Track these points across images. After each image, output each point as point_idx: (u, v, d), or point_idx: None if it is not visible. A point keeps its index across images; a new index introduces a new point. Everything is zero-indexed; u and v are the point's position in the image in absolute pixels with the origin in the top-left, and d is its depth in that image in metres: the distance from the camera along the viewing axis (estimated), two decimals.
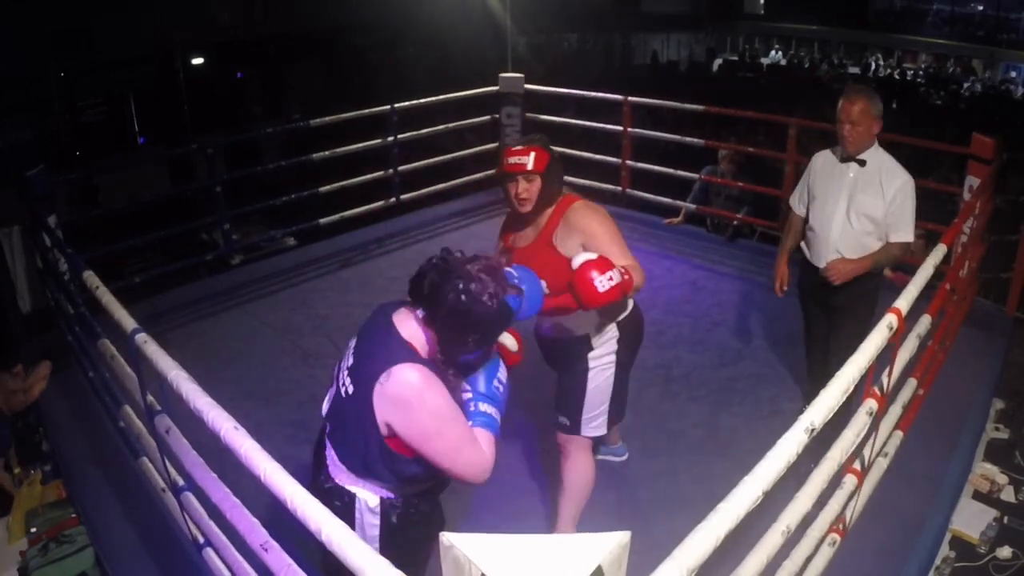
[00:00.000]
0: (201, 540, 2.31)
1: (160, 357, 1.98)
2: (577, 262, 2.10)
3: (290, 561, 1.69)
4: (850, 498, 2.27)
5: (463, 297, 1.55)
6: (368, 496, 1.72)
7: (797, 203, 3.15)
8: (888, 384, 2.22)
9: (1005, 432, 3.48)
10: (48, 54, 9.74)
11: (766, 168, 6.41)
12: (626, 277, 2.14)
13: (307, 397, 3.69)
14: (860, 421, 2.06)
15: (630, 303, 2.53)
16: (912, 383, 2.77)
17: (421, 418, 1.56)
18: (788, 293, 3.23)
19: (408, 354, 1.59)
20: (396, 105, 5.31)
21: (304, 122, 5.26)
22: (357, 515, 1.72)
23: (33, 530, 3.18)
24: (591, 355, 2.46)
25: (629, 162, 5.60)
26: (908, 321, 2.18)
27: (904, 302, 2.15)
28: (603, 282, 2.05)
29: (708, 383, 3.77)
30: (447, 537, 1.09)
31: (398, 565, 1.52)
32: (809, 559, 2.10)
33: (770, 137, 7.81)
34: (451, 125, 5.97)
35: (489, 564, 1.04)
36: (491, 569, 1.04)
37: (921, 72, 20.27)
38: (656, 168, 5.59)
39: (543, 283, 2.23)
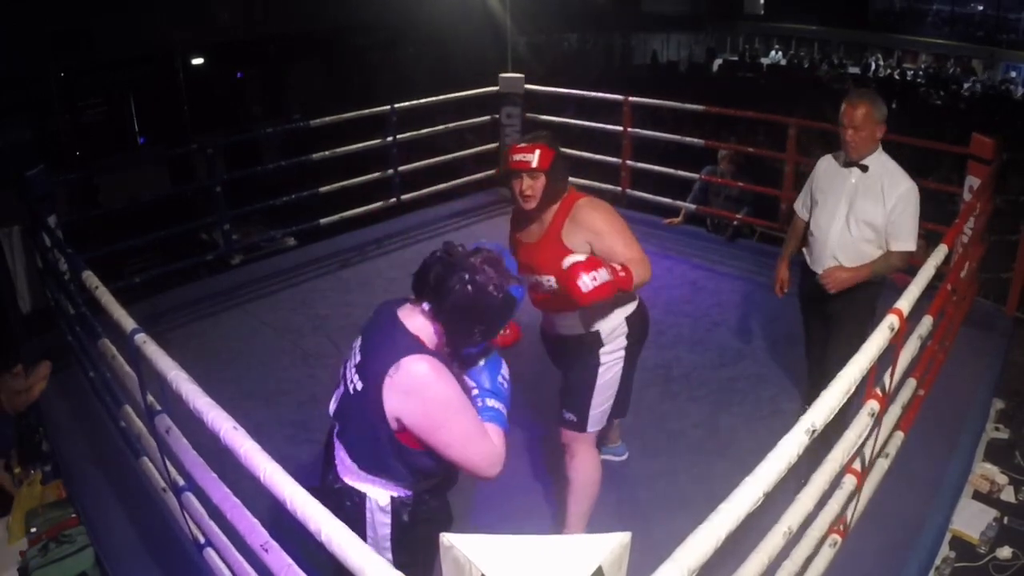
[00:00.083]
0: (201, 540, 2.31)
1: (160, 357, 1.98)
2: (566, 263, 2.13)
3: (290, 561, 1.69)
4: (850, 499, 2.27)
5: (469, 288, 1.58)
6: (379, 495, 1.72)
7: (801, 207, 3.13)
8: (889, 385, 2.22)
9: (1005, 432, 3.48)
10: (48, 54, 9.74)
11: (766, 168, 6.41)
12: (621, 274, 2.16)
13: (307, 397, 3.69)
14: (862, 422, 2.06)
15: (635, 297, 2.54)
16: (912, 383, 2.77)
17: (431, 408, 1.57)
18: (788, 294, 3.23)
19: (416, 346, 1.61)
20: (396, 105, 5.31)
21: (304, 122, 5.26)
22: (368, 515, 1.72)
23: (33, 530, 3.18)
24: (603, 351, 2.48)
25: (629, 162, 5.60)
26: (909, 322, 2.18)
27: (906, 303, 2.15)
28: (587, 282, 2.08)
29: (708, 383, 3.77)
30: (447, 538, 1.09)
31: (409, 563, 1.56)
32: (810, 559, 2.10)
33: (770, 137, 7.81)
34: (451, 125, 5.96)
35: (489, 565, 1.04)
36: (491, 570, 1.04)
37: (921, 72, 20.27)
38: (656, 168, 5.59)
39: (552, 278, 2.25)
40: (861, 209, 2.82)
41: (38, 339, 4.11)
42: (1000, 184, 4.55)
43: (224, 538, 2.13)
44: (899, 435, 2.72)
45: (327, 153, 5.11)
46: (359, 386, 1.64)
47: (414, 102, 5.45)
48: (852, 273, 2.83)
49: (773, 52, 23.01)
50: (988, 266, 4.30)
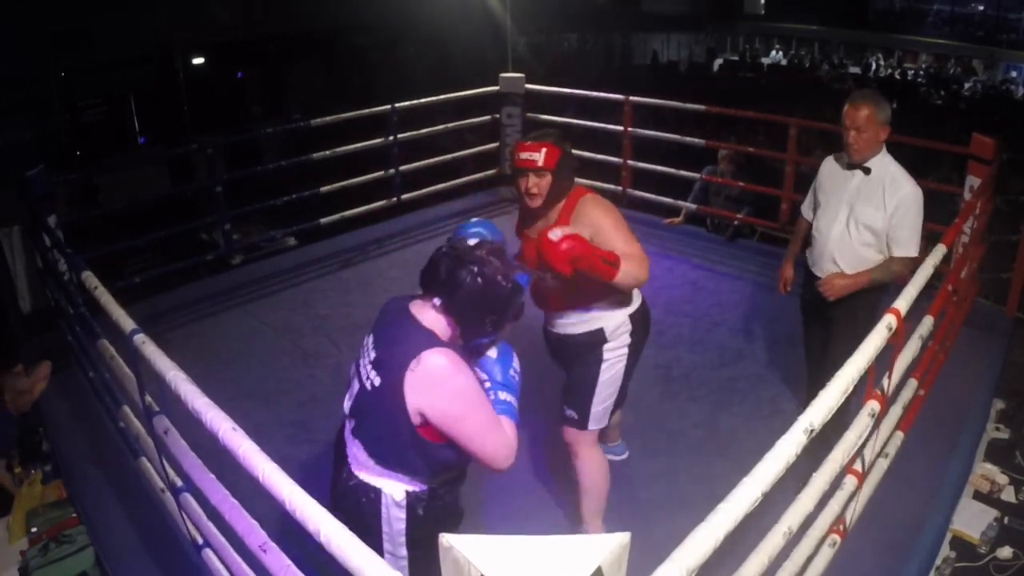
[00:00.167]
0: (200, 541, 2.31)
1: (158, 358, 1.98)
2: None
3: (289, 562, 1.68)
4: (850, 499, 2.27)
5: (479, 280, 1.63)
6: (394, 490, 1.73)
7: (806, 208, 3.10)
8: (889, 385, 2.22)
9: (1005, 432, 3.48)
10: (48, 54, 9.73)
11: (766, 168, 6.41)
12: (609, 259, 2.14)
13: (307, 397, 3.69)
14: (862, 422, 2.06)
15: (637, 296, 2.54)
16: (913, 384, 2.76)
17: (452, 401, 1.60)
18: (790, 294, 3.22)
19: (434, 340, 1.64)
20: (396, 105, 5.31)
21: (304, 122, 5.26)
22: (383, 510, 1.74)
23: (33, 530, 3.19)
24: (606, 347, 2.48)
25: (630, 162, 5.60)
26: (909, 322, 2.18)
27: (903, 302, 2.15)
28: (557, 233, 2.06)
29: (708, 383, 3.76)
30: (446, 538, 1.09)
31: (423, 558, 1.63)
32: (810, 559, 2.10)
33: (770, 137, 7.81)
34: (451, 125, 5.96)
35: (489, 565, 1.04)
36: (490, 570, 1.04)
37: (921, 72, 20.26)
38: (657, 168, 5.59)
39: (559, 275, 2.24)
40: (861, 212, 2.77)
41: (38, 339, 4.11)
42: (1000, 184, 4.55)
43: (223, 539, 2.12)
44: (899, 435, 2.72)
45: (327, 153, 5.11)
46: (377, 382, 1.65)
47: (414, 102, 5.45)
48: (851, 280, 2.78)
49: (773, 52, 22.98)
50: (988, 266, 4.30)
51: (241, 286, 4.80)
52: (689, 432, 3.40)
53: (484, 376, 1.76)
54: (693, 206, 5.51)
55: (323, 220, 5.14)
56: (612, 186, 5.61)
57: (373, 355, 1.69)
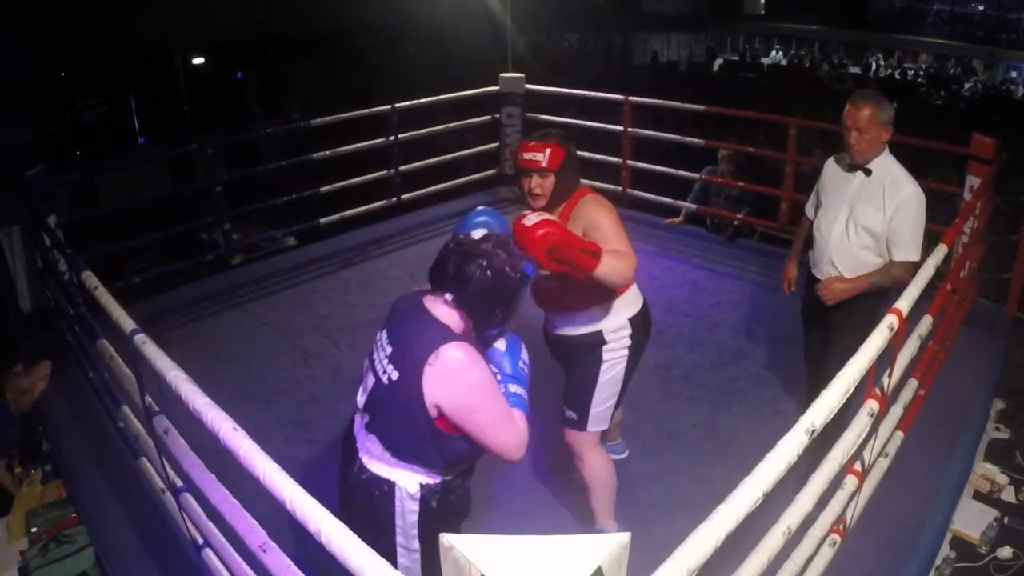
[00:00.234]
0: (200, 541, 2.31)
1: (159, 358, 1.98)
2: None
3: (289, 562, 1.68)
4: (851, 499, 2.27)
5: (489, 274, 1.67)
6: (408, 483, 1.76)
7: (809, 208, 3.07)
8: (889, 385, 2.22)
9: (1005, 432, 3.48)
10: (48, 54, 9.73)
11: (766, 168, 6.41)
12: (589, 248, 2.08)
13: (307, 397, 3.69)
14: (861, 422, 2.06)
15: (638, 299, 2.53)
16: (913, 383, 2.76)
17: (469, 393, 1.65)
18: (791, 293, 3.21)
19: (449, 334, 1.68)
20: (396, 105, 5.31)
21: (304, 122, 5.25)
22: (397, 503, 1.76)
23: (33, 530, 3.18)
24: (605, 348, 2.47)
25: (630, 162, 5.60)
26: (909, 322, 2.17)
27: (905, 302, 2.15)
28: (532, 218, 2.02)
29: (708, 383, 3.76)
30: (446, 538, 1.09)
31: (435, 550, 1.59)
32: (810, 559, 2.10)
33: (770, 137, 7.81)
34: (451, 125, 5.96)
35: (488, 565, 1.04)
36: (490, 570, 1.04)
37: (922, 72, 20.26)
38: (656, 168, 5.59)
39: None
40: (861, 214, 2.72)
41: (38, 339, 4.11)
42: (1000, 184, 4.55)
43: (223, 539, 2.12)
44: (899, 435, 2.72)
45: (327, 153, 5.11)
46: (394, 376, 1.68)
47: (414, 102, 5.45)
48: (850, 285, 2.74)
49: (773, 52, 22.99)
50: (988, 266, 4.30)
51: (241, 286, 4.80)
52: (689, 432, 3.40)
53: (494, 369, 1.78)
54: (693, 206, 5.51)
55: (323, 220, 5.13)
56: (612, 186, 5.61)
57: (389, 350, 1.72)
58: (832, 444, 1.96)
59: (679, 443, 3.32)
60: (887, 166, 2.71)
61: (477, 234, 1.78)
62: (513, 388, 1.78)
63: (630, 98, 5.49)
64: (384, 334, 1.78)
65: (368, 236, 5.44)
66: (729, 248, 5.27)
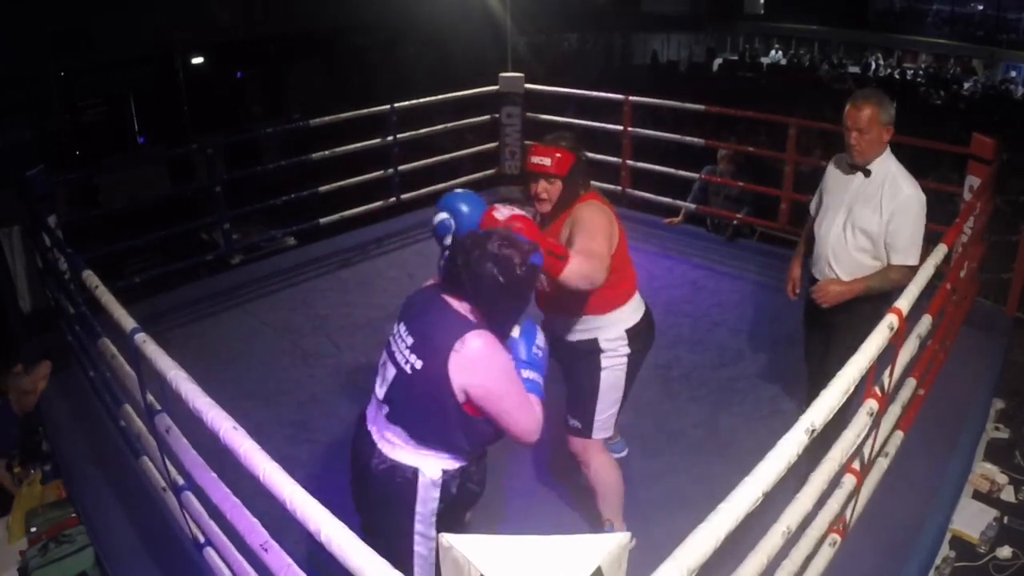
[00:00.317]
0: (201, 540, 2.31)
1: (159, 357, 1.98)
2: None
3: (290, 561, 1.69)
4: (850, 498, 2.27)
5: (500, 278, 1.71)
6: (431, 469, 1.81)
7: (813, 207, 3.02)
8: (889, 384, 2.22)
9: (1005, 432, 3.49)
10: (48, 54, 9.73)
11: (766, 168, 6.41)
12: (558, 250, 2.03)
13: (307, 397, 3.70)
14: (861, 421, 2.06)
15: (638, 309, 2.51)
16: (912, 383, 2.76)
17: (493, 378, 1.73)
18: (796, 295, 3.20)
19: (471, 323, 1.75)
20: (396, 105, 5.31)
21: (304, 122, 5.26)
22: (420, 490, 1.82)
23: (33, 530, 3.18)
24: (603, 356, 2.46)
25: (629, 162, 5.60)
26: (909, 321, 2.17)
27: (905, 302, 2.15)
28: (502, 212, 1.98)
29: (708, 383, 3.76)
30: (446, 538, 1.09)
31: (454, 528, 1.77)
32: (809, 559, 2.10)
33: (771, 137, 7.81)
34: (451, 125, 5.96)
35: (488, 565, 1.04)
36: (490, 570, 1.04)
37: (921, 72, 20.27)
38: (656, 168, 5.59)
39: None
40: (859, 216, 2.67)
41: (38, 339, 4.11)
42: (1000, 184, 4.55)
43: (224, 538, 2.13)
44: (899, 435, 2.72)
45: (327, 153, 5.11)
46: (419, 365, 1.75)
47: (414, 101, 5.45)
48: (845, 288, 2.69)
49: (773, 52, 23.00)
50: (988, 266, 4.30)
51: (241, 286, 4.80)
52: (689, 432, 3.40)
53: (510, 354, 1.84)
54: (693, 206, 5.51)
55: (323, 220, 5.13)
56: (612, 186, 5.61)
57: (410, 341, 1.78)
58: (832, 444, 1.96)
59: (679, 443, 3.32)
60: (887, 167, 2.66)
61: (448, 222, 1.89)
62: (527, 374, 1.85)
63: (630, 98, 5.49)
64: (402, 327, 1.83)
65: (367, 236, 5.44)
66: (729, 248, 5.27)
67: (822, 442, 1.80)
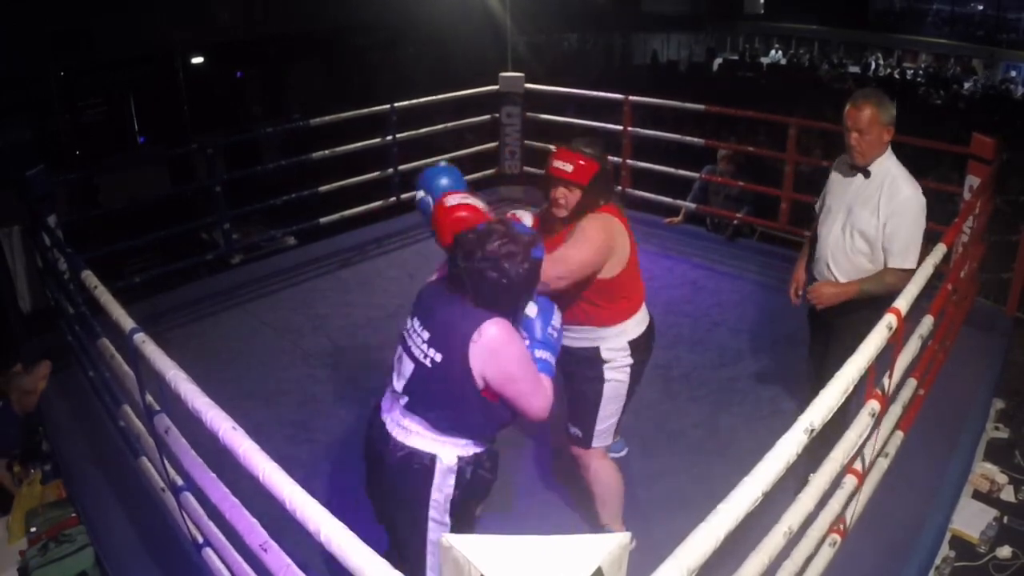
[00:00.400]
0: (200, 540, 2.31)
1: (158, 357, 1.98)
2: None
3: (289, 561, 1.69)
4: (850, 498, 2.27)
5: (504, 281, 1.77)
6: (448, 455, 1.88)
7: (818, 209, 2.99)
8: (889, 385, 2.22)
9: (1005, 432, 3.49)
10: (48, 54, 9.74)
11: (766, 168, 6.41)
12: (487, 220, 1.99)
13: (307, 397, 3.69)
14: (862, 422, 2.06)
15: (642, 322, 2.50)
16: (912, 383, 2.76)
17: (509, 363, 1.81)
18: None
19: (484, 313, 1.81)
20: (396, 104, 5.31)
21: (304, 122, 5.26)
22: (437, 476, 1.88)
23: (33, 529, 3.19)
24: (606, 367, 2.44)
25: (629, 161, 5.60)
26: (909, 321, 2.17)
27: (903, 302, 2.15)
28: (453, 199, 2.02)
29: (708, 383, 3.76)
30: (446, 538, 1.09)
31: (466, 516, 1.91)
32: (810, 559, 2.10)
33: (771, 137, 7.81)
34: (451, 124, 5.96)
35: (488, 565, 1.04)
36: (490, 570, 1.04)
37: (921, 72, 20.28)
38: (656, 167, 5.59)
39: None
40: (858, 217, 2.64)
41: (38, 339, 4.11)
42: (1000, 184, 4.54)
43: (223, 538, 2.12)
44: (899, 435, 2.72)
45: (327, 152, 5.11)
46: (438, 357, 1.83)
47: (414, 101, 5.45)
48: (840, 290, 2.67)
49: (773, 52, 23.00)
50: (988, 266, 4.30)
51: (241, 286, 4.80)
52: (689, 432, 3.40)
53: (524, 334, 1.94)
54: (693, 205, 5.51)
55: (323, 220, 5.14)
56: None
57: (426, 335, 1.86)
58: (832, 444, 1.96)
59: (679, 443, 3.32)
60: (887, 168, 2.61)
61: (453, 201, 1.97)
62: (540, 353, 1.93)
63: (630, 97, 5.49)
64: (415, 322, 1.90)
65: (367, 236, 5.44)
66: (729, 248, 5.27)
67: (822, 442, 1.80)
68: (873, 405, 2.10)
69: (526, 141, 6.07)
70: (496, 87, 5.91)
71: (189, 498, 2.29)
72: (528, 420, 1.91)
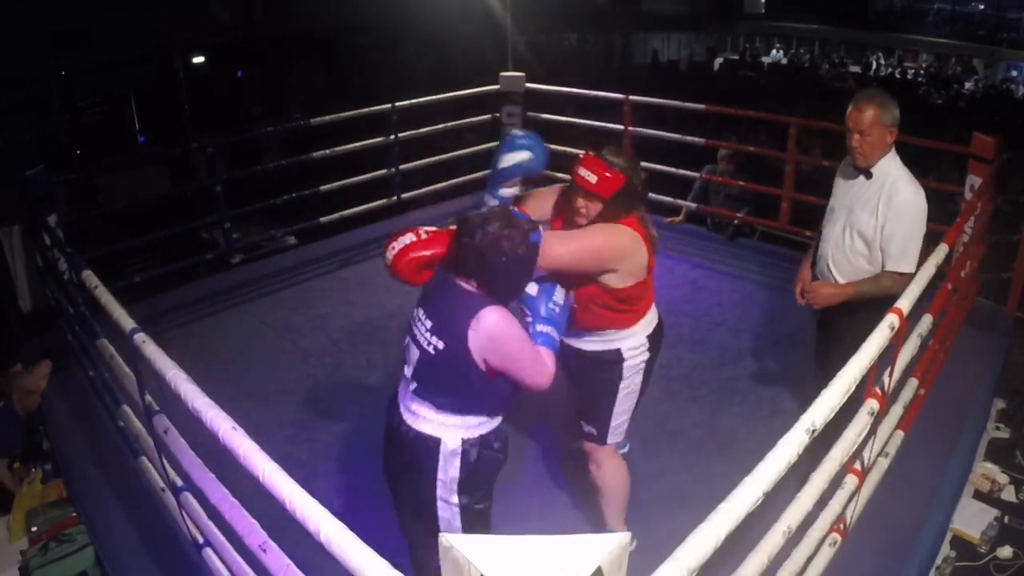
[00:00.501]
0: (200, 540, 2.31)
1: (158, 357, 1.98)
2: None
3: (288, 562, 1.68)
4: (851, 498, 2.27)
5: (503, 259, 1.86)
6: (451, 439, 1.97)
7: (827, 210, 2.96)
8: (889, 384, 2.22)
9: (1006, 431, 3.48)
10: (48, 54, 9.74)
11: (766, 167, 6.41)
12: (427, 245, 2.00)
13: (307, 397, 3.69)
14: (861, 421, 2.06)
15: (655, 315, 2.51)
16: (913, 383, 2.76)
17: (509, 346, 1.91)
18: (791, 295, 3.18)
19: (482, 300, 1.90)
20: (396, 104, 5.30)
21: (304, 121, 5.25)
22: (441, 459, 1.98)
23: (34, 529, 3.19)
24: (625, 365, 2.44)
25: None
26: (909, 321, 2.17)
27: (906, 302, 2.15)
28: (398, 243, 1.99)
29: (708, 383, 3.76)
30: (446, 538, 1.09)
31: (474, 499, 2.02)
32: (810, 559, 2.09)
33: (771, 136, 7.81)
34: (451, 124, 5.96)
35: (489, 565, 1.04)
36: (490, 570, 1.04)
37: (922, 71, 20.27)
38: (657, 167, 5.57)
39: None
40: (858, 219, 2.62)
41: (38, 339, 4.11)
42: (1000, 184, 4.54)
43: (223, 538, 2.12)
44: (899, 434, 2.72)
45: (327, 152, 5.11)
46: (440, 345, 1.92)
47: (414, 101, 5.45)
48: (836, 291, 2.66)
49: (774, 51, 23.00)
50: (988, 266, 4.29)
51: (241, 285, 4.80)
52: (689, 432, 3.40)
53: (527, 311, 2.06)
54: (693, 205, 5.51)
55: (323, 219, 5.13)
56: None
57: (429, 324, 1.96)
58: (832, 443, 1.96)
59: (679, 443, 3.32)
60: (889, 170, 2.58)
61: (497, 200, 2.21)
62: (541, 328, 2.04)
63: (630, 97, 5.48)
64: (420, 311, 2.00)
65: (368, 235, 5.43)
66: (729, 247, 5.27)
67: (823, 442, 1.79)
68: (872, 404, 2.10)
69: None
70: (497, 87, 5.90)
71: (189, 498, 2.29)
72: (530, 392, 2.01)
